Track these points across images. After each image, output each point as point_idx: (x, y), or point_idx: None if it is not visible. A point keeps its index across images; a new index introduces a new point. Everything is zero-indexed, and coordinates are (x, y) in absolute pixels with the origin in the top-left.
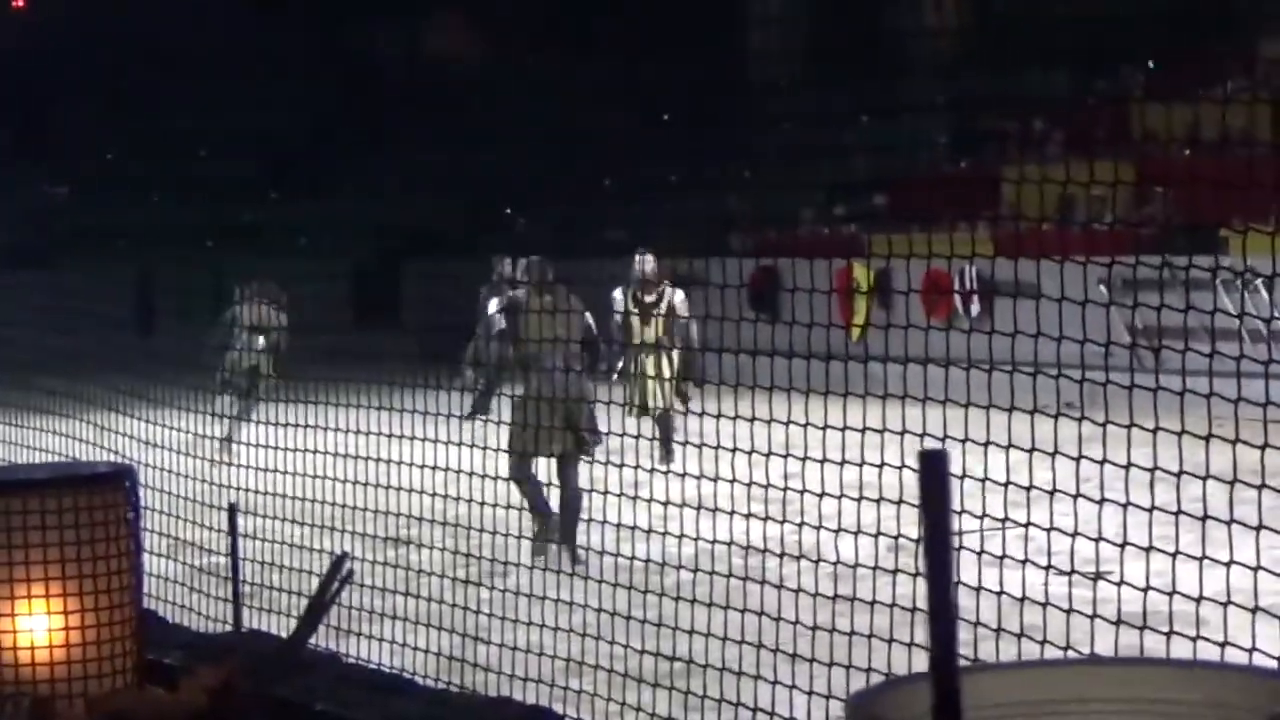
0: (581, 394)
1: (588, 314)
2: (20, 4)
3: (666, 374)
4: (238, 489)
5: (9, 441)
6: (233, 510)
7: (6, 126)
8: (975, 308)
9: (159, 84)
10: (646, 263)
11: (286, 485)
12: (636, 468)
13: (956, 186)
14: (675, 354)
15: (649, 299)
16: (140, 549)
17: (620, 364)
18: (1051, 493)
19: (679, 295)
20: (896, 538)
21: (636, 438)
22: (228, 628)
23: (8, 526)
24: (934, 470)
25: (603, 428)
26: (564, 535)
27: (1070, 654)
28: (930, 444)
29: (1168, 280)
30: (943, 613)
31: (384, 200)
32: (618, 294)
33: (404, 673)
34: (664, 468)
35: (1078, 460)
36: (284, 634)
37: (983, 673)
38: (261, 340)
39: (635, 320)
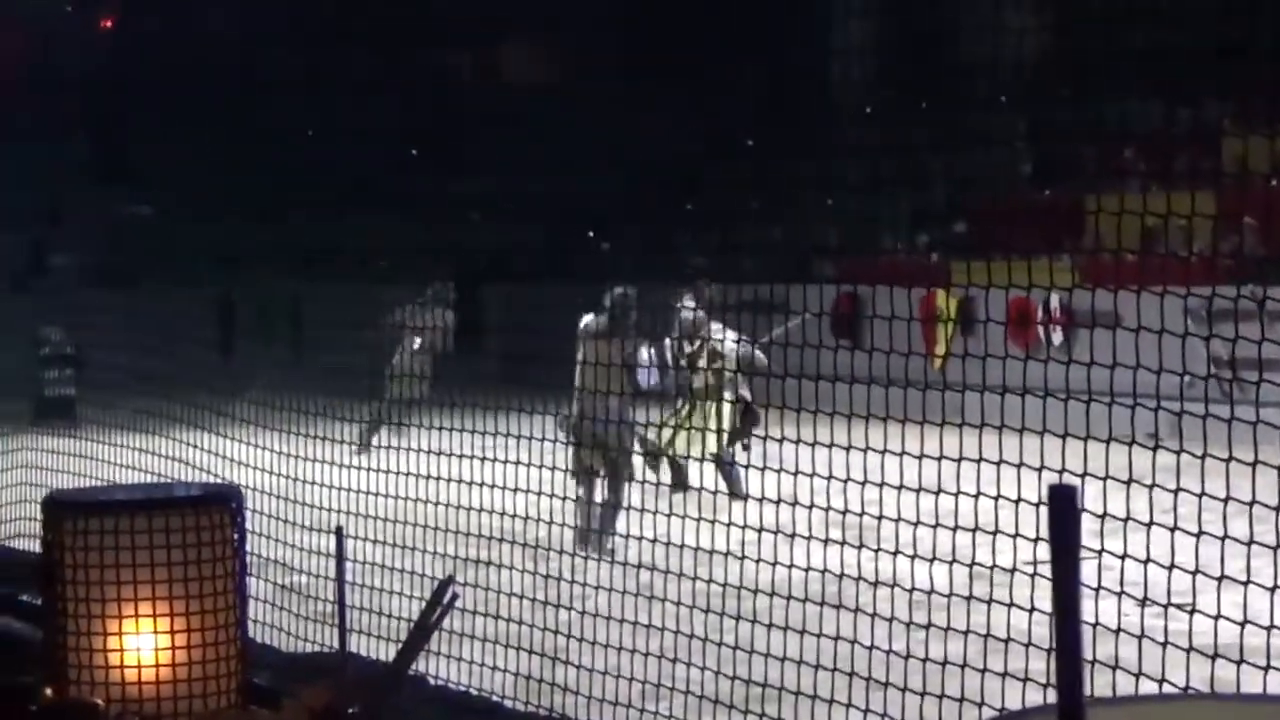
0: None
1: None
2: (108, 24)
3: (712, 424)
4: (324, 509)
5: (99, 459)
6: (339, 533)
7: (93, 146)
8: (1058, 337)
9: (241, 106)
10: (684, 312)
11: (372, 505)
12: (715, 493)
13: (1040, 215)
14: (725, 405)
15: (689, 349)
16: (245, 570)
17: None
18: (1148, 524)
19: (728, 342)
20: (974, 564)
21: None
22: (317, 648)
23: (117, 545)
24: (1062, 505)
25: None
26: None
27: (1165, 687)
28: (1024, 474)
29: (1250, 311)
30: (1070, 649)
31: (468, 224)
32: (666, 343)
33: (489, 694)
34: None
35: (1175, 493)
36: (374, 655)
37: (1106, 707)
38: (418, 341)
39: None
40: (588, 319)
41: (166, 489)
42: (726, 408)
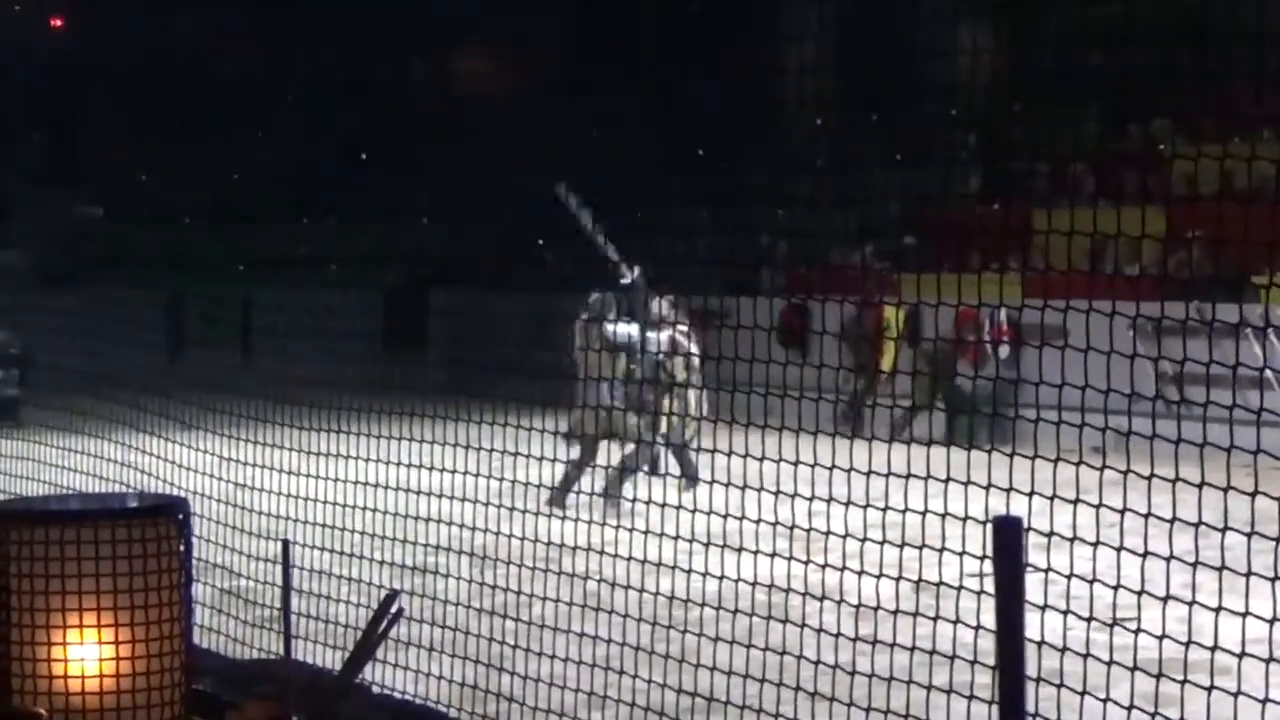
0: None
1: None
2: (59, 24)
3: (678, 409)
4: (269, 515)
5: (43, 462)
6: (286, 546)
7: (41, 147)
8: (1004, 351)
9: (192, 108)
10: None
11: (315, 513)
12: (664, 505)
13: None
14: (690, 392)
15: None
16: (191, 580)
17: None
18: (1096, 544)
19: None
20: (920, 579)
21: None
22: (263, 654)
23: (62, 556)
24: (1007, 537)
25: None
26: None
27: (1088, 700)
28: (972, 491)
29: (1195, 328)
30: (1013, 672)
31: (415, 230)
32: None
33: (430, 702)
34: (689, 495)
35: (1122, 512)
36: (319, 663)
37: None
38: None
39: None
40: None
41: (112, 499)
42: (691, 394)
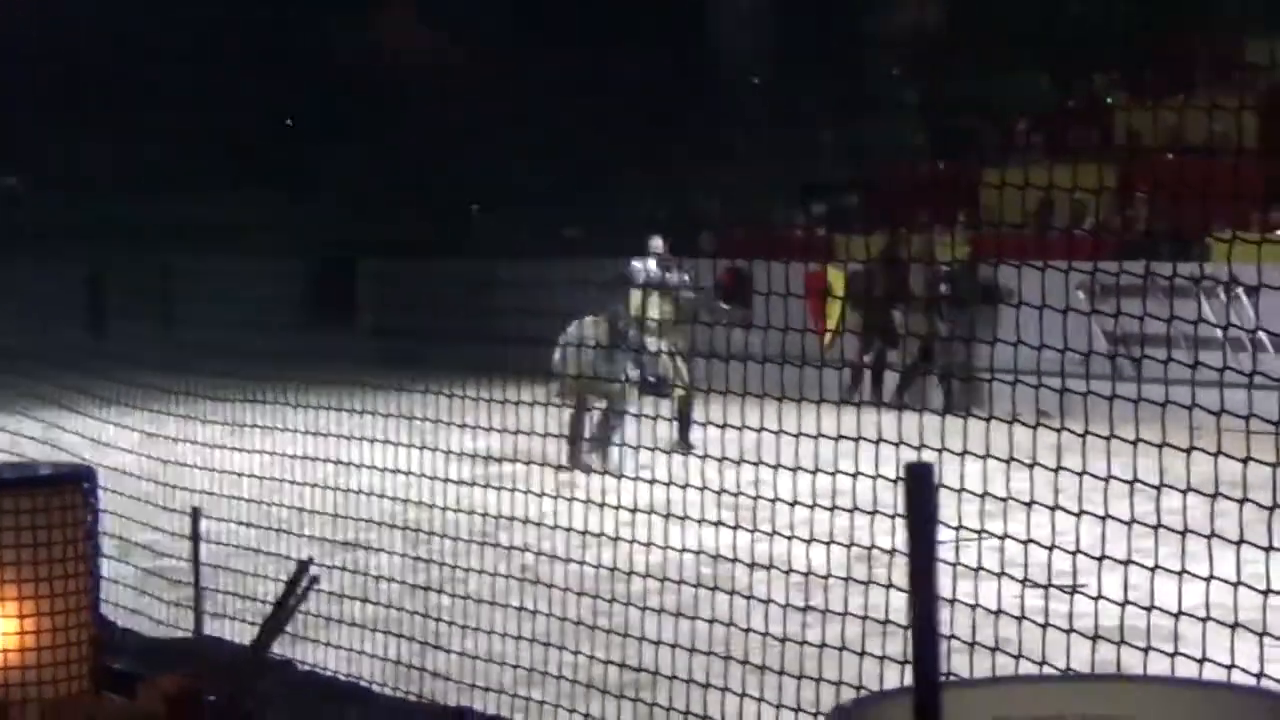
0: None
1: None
2: None
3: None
4: (189, 490)
5: None
6: (195, 514)
7: None
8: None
9: (115, 76)
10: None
11: (240, 487)
12: (604, 474)
13: (934, 188)
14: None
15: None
16: (98, 553)
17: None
18: (1029, 504)
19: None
20: (869, 548)
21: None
22: (181, 633)
23: None
24: (920, 484)
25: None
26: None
27: (1046, 669)
28: (904, 453)
29: (1149, 287)
30: (926, 630)
31: (342, 198)
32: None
33: (360, 680)
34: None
35: (1056, 471)
36: (239, 640)
37: (965, 688)
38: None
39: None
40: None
41: (14, 469)
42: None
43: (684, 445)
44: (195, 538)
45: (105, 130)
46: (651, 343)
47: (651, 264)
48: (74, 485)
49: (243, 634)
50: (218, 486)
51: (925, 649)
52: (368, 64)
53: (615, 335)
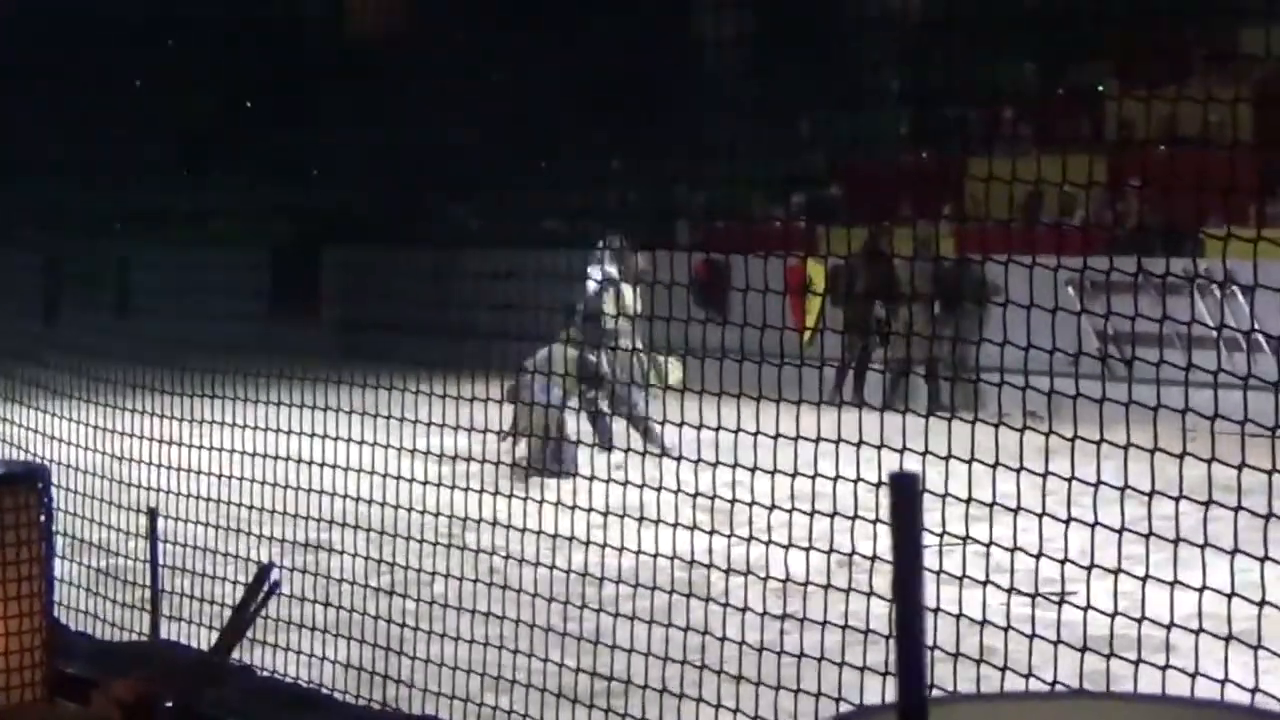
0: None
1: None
2: None
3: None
4: (145, 488)
5: None
6: (153, 514)
7: None
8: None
9: (62, 55)
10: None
11: (197, 486)
12: (576, 475)
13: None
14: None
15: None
16: (52, 554)
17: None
18: (1016, 510)
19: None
20: (850, 554)
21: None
22: (136, 636)
23: None
24: (905, 494)
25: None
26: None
27: (1033, 681)
28: (887, 455)
29: (1141, 285)
30: (912, 644)
31: (306, 183)
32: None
33: (321, 687)
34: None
35: (1044, 475)
36: (196, 644)
37: (951, 704)
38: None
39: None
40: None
41: None
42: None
43: (657, 445)
44: (153, 539)
45: (55, 114)
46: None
47: (610, 266)
48: (28, 484)
49: (199, 638)
50: (173, 484)
51: (910, 664)
52: (333, 39)
53: (584, 367)
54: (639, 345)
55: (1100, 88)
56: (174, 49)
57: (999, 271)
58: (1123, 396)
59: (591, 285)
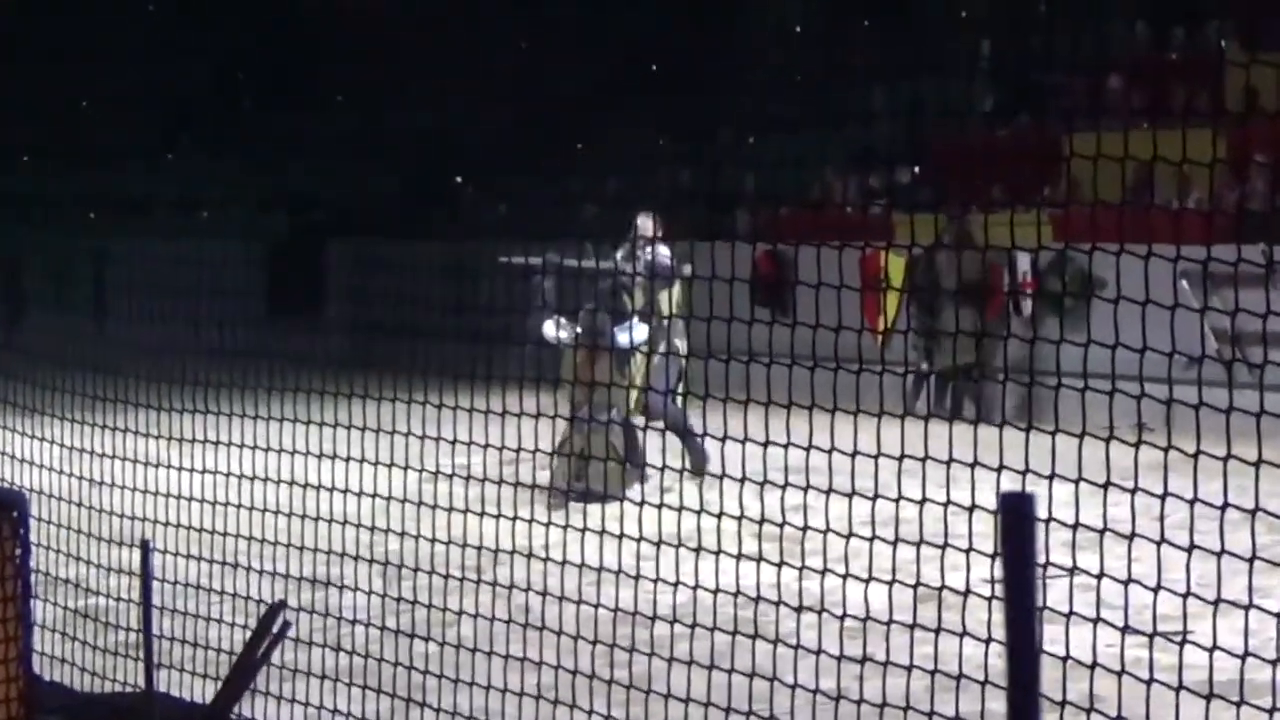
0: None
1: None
2: None
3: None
4: (130, 518)
5: None
6: (145, 547)
7: None
8: (1028, 307)
9: (39, 27)
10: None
11: (189, 514)
12: (624, 500)
13: (1006, 159)
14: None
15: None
16: (29, 593)
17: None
18: (1129, 537)
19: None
20: (939, 589)
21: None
22: (122, 687)
23: None
24: (1017, 518)
25: None
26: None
27: None
28: (981, 474)
29: (1271, 277)
30: (1024, 695)
31: (307, 169)
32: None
33: None
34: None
35: (1162, 497)
36: (191, 696)
37: None
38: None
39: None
40: None
41: None
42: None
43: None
44: (145, 575)
45: (27, 92)
46: (680, 345)
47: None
48: (2, 515)
49: (191, 688)
50: (161, 513)
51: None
52: (337, 10)
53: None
54: (678, 347)
55: (1221, 50)
56: (156, 14)
57: (1106, 263)
58: (1252, 406)
59: (606, 282)
